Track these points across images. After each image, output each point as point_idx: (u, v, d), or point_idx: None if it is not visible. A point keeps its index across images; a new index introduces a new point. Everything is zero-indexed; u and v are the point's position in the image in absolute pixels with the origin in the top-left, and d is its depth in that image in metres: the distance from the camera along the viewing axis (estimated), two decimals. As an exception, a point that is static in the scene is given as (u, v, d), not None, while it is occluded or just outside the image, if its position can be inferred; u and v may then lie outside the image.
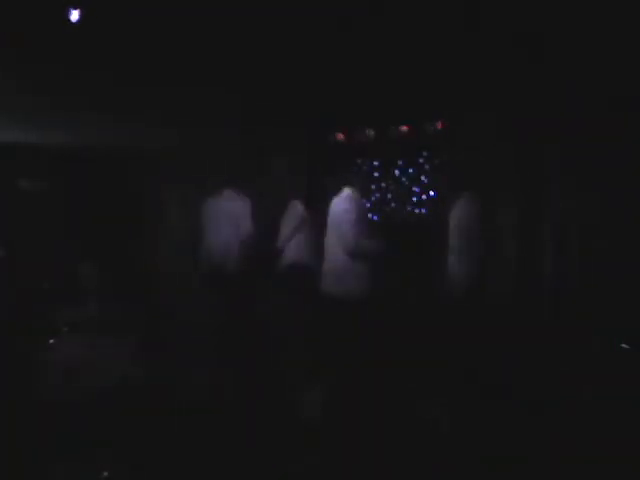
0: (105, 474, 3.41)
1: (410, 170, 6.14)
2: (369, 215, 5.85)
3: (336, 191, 5.05)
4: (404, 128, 5.96)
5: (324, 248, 5.13)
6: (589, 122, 4.58)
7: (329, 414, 4.59)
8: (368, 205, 6.21)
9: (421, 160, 6.05)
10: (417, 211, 6.08)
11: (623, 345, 4.23)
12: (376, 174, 6.47)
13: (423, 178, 6.04)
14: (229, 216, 5.93)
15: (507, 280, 5.01)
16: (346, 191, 5.06)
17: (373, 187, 6.47)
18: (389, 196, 6.21)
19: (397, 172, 6.24)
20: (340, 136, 6.53)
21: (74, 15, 3.77)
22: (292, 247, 6.09)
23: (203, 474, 3.57)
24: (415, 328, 5.13)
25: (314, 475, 3.56)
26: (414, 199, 6.10)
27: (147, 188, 9.52)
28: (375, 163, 6.48)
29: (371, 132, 6.21)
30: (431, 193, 5.93)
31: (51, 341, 5.18)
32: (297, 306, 5.88)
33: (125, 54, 4.55)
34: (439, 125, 5.70)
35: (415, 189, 6.01)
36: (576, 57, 4.41)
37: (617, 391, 3.99)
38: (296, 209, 6.16)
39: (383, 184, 6.39)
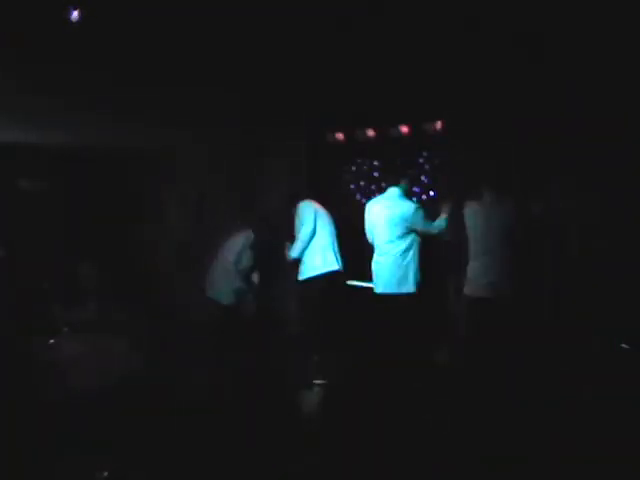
0: (105, 474, 3.42)
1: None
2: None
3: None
4: (404, 128, 5.95)
5: (376, 247, 5.29)
6: (589, 122, 4.58)
7: (329, 414, 4.60)
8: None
9: (421, 160, 6.04)
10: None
11: (623, 345, 4.23)
12: (376, 174, 6.46)
13: (423, 178, 6.04)
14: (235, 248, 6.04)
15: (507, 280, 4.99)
16: (392, 190, 5.28)
17: (373, 187, 6.47)
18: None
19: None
20: (339, 136, 6.53)
21: (74, 15, 3.77)
22: (314, 250, 5.73)
23: (203, 474, 3.57)
24: (421, 327, 5.15)
25: (314, 475, 3.56)
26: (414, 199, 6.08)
27: (147, 188, 9.51)
28: (375, 163, 6.47)
29: (371, 132, 6.14)
30: (431, 193, 5.92)
31: (51, 341, 5.17)
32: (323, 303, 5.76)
33: (125, 54, 4.56)
34: (437, 125, 5.70)
35: (415, 189, 6.00)
36: (576, 57, 4.41)
37: (617, 391, 3.99)
38: (310, 210, 5.83)
39: (383, 184, 6.38)
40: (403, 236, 5.15)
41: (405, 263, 5.14)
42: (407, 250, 5.15)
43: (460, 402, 4.45)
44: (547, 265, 4.83)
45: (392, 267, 5.17)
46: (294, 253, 5.77)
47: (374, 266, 5.33)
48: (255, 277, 6.34)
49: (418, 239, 5.19)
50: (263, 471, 3.57)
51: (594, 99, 4.52)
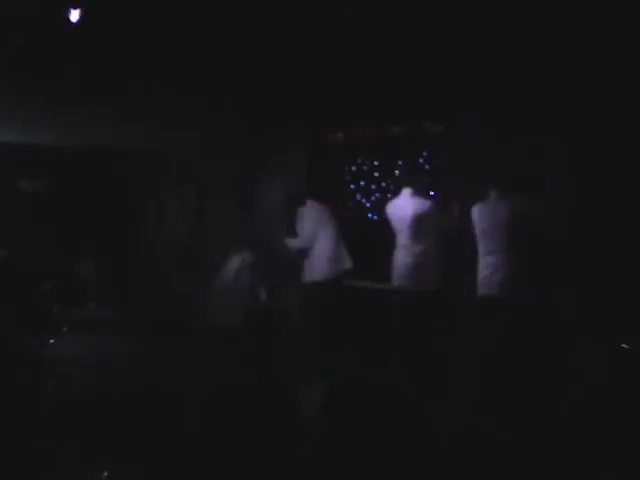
0: (105, 474, 3.41)
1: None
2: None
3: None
4: (404, 128, 5.95)
5: (396, 245, 5.41)
6: (588, 122, 4.58)
7: (330, 414, 4.58)
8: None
9: (421, 160, 6.04)
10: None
11: (623, 345, 4.23)
12: (376, 174, 6.46)
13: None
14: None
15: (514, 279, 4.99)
16: (406, 191, 5.37)
17: (373, 187, 6.47)
18: (389, 196, 6.19)
19: (397, 172, 6.23)
20: (339, 136, 6.52)
21: (74, 15, 3.77)
22: (317, 255, 5.75)
23: (203, 474, 3.57)
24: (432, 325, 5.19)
25: (314, 475, 3.55)
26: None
27: (147, 188, 9.52)
28: (375, 163, 6.47)
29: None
30: (431, 193, 5.92)
31: (51, 341, 5.18)
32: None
33: (125, 54, 4.56)
34: (437, 125, 5.71)
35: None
36: (575, 55, 4.41)
37: (617, 391, 3.99)
38: (310, 217, 5.84)
39: (383, 184, 6.39)
40: (419, 234, 5.28)
41: (422, 260, 5.27)
42: (424, 247, 5.28)
43: (466, 400, 4.44)
44: (546, 265, 4.84)
45: (410, 264, 5.31)
46: (293, 245, 5.88)
47: (394, 263, 5.45)
48: (262, 295, 6.26)
49: (435, 237, 5.31)
50: (263, 471, 3.57)
51: (594, 98, 4.52)
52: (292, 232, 6.02)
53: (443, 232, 5.31)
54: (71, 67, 4.76)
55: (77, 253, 7.93)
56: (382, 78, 5.24)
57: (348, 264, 5.76)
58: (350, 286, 5.92)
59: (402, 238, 5.40)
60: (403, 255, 5.38)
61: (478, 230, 4.94)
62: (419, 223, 5.28)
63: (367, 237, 6.30)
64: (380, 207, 6.27)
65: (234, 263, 6.17)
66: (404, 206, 5.40)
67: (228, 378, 5.26)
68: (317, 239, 5.75)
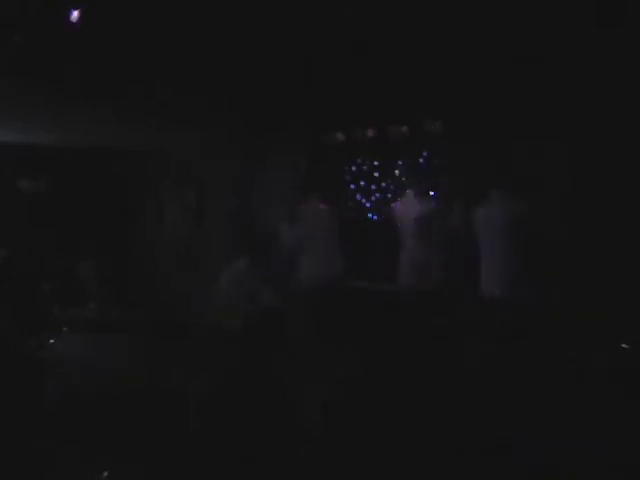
0: (105, 474, 3.41)
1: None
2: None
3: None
4: (404, 128, 5.95)
5: (402, 244, 5.50)
6: (588, 122, 4.58)
7: (330, 415, 4.59)
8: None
9: (421, 160, 6.04)
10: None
11: (623, 345, 4.23)
12: (376, 174, 6.46)
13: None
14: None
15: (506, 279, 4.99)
16: (409, 193, 5.55)
17: (373, 187, 6.47)
18: (389, 196, 6.20)
19: (397, 172, 6.23)
20: (339, 136, 6.52)
21: (74, 15, 3.77)
22: (312, 258, 5.81)
23: (203, 474, 3.57)
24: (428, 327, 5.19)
25: (314, 475, 3.56)
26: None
27: (146, 188, 9.52)
28: (375, 163, 6.47)
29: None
30: (431, 193, 5.92)
31: (51, 341, 5.18)
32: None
33: (125, 54, 4.56)
34: (437, 126, 5.71)
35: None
36: (575, 56, 4.41)
37: (617, 391, 3.99)
38: (318, 209, 5.91)
39: (383, 184, 6.39)
40: (421, 235, 5.35)
41: (425, 260, 5.34)
42: (426, 248, 5.34)
43: (466, 404, 4.44)
44: (550, 264, 4.84)
45: (413, 264, 5.39)
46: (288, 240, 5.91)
47: (401, 262, 5.53)
48: (263, 296, 6.25)
49: (437, 237, 5.37)
50: (263, 471, 3.57)
51: (593, 98, 4.52)
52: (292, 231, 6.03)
53: (445, 233, 5.34)
54: (71, 67, 4.75)
55: (77, 253, 7.92)
56: (382, 78, 5.24)
57: (343, 266, 5.79)
58: (350, 286, 5.92)
59: (405, 239, 5.45)
60: (406, 256, 5.45)
61: (479, 231, 4.97)
62: (422, 224, 5.33)
63: (367, 237, 6.30)
64: (380, 207, 6.28)
65: (234, 264, 6.17)
66: (407, 208, 5.48)
67: (228, 379, 5.26)
68: (314, 240, 5.77)
